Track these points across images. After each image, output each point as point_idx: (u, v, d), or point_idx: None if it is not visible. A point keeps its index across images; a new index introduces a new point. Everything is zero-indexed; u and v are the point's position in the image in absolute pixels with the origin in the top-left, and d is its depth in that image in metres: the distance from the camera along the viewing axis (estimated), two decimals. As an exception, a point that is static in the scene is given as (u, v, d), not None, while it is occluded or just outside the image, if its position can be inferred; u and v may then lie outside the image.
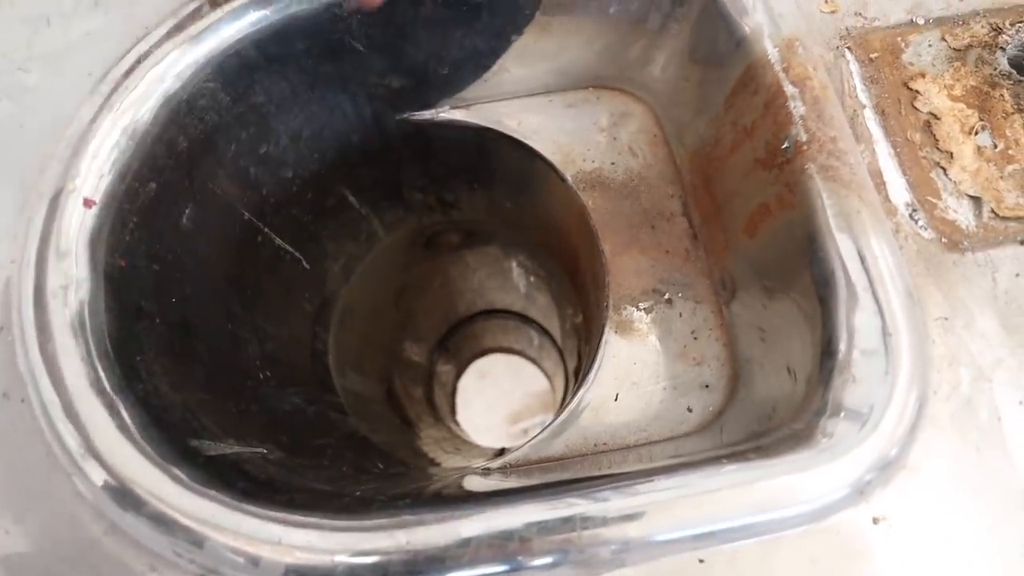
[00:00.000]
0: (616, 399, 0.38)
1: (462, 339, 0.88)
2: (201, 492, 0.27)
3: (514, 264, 0.70)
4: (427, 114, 0.45)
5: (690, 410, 0.38)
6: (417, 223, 0.59)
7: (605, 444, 0.38)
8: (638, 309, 0.40)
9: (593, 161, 0.44)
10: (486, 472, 0.36)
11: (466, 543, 0.26)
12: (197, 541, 0.26)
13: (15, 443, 0.28)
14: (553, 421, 0.38)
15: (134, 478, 0.27)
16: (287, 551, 0.26)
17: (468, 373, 1.11)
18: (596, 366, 0.39)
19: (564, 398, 0.78)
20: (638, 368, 0.39)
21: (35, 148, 0.32)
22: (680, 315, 0.40)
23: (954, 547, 0.27)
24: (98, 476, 0.27)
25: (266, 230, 0.44)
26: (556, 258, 0.57)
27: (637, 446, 0.37)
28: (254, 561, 0.25)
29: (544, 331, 0.87)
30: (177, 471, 0.27)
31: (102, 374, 0.29)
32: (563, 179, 0.43)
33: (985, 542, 0.27)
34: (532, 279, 0.71)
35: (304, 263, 0.50)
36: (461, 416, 1.06)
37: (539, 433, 0.38)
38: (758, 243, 0.36)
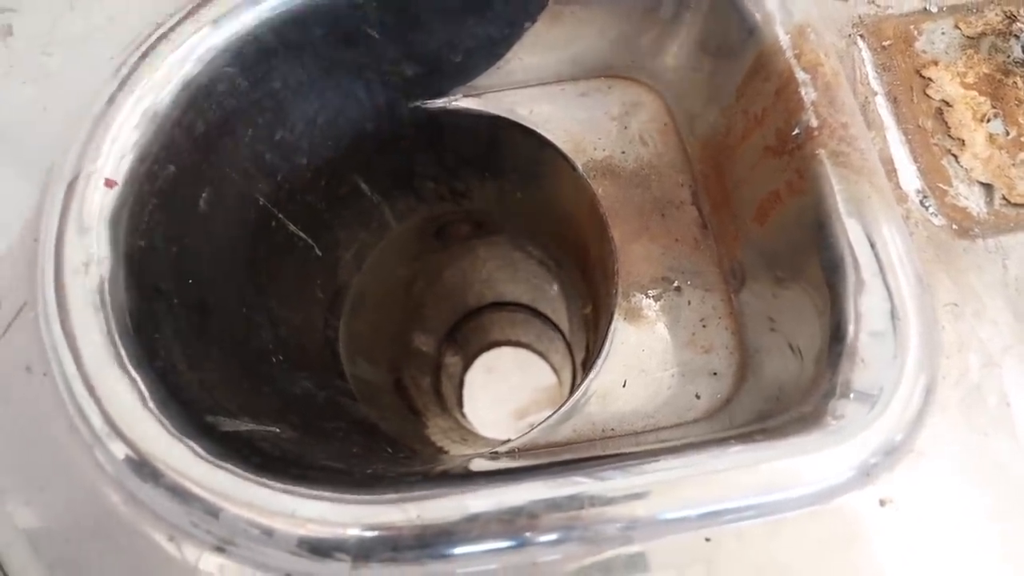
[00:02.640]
0: (624, 386, 0.39)
1: (470, 331, 0.89)
2: (217, 465, 0.27)
3: (524, 255, 0.70)
4: (440, 102, 0.45)
5: (698, 397, 0.38)
6: (428, 213, 0.59)
7: (613, 430, 0.38)
8: (647, 296, 0.40)
9: (604, 150, 0.44)
10: (494, 456, 0.37)
11: (475, 518, 0.26)
12: (213, 512, 0.26)
13: (38, 416, 0.29)
14: (561, 406, 0.38)
15: (152, 450, 0.27)
16: (300, 523, 0.26)
17: (475, 366, 1.11)
18: (605, 353, 0.39)
19: (571, 391, 0.78)
20: (646, 355, 0.39)
21: (58, 130, 0.33)
22: (689, 303, 0.40)
23: (960, 531, 0.27)
24: (117, 448, 0.28)
25: (280, 216, 0.45)
26: (566, 248, 0.58)
27: (645, 432, 0.38)
28: (268, 532, 0.26)
29: (553, 324, 0.87)
30: (194, 444, 0.28)
31: (122, 350, 0.29)
32: (574, 167, 0.43)
33: (992, 527, 0.27)
34: (542, 270, 0.72)
35: (316, 250, 0.50)
36: (468, 409, 1.06)
37: (547, 418, 0.38)
38: (768, 231, 0.37)
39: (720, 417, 0.38)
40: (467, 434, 0.82)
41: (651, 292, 0.41)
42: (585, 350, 0.71)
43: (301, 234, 0.48)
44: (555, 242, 0.61)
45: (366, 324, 0.61)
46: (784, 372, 0.34)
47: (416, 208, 0.58)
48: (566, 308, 0.76)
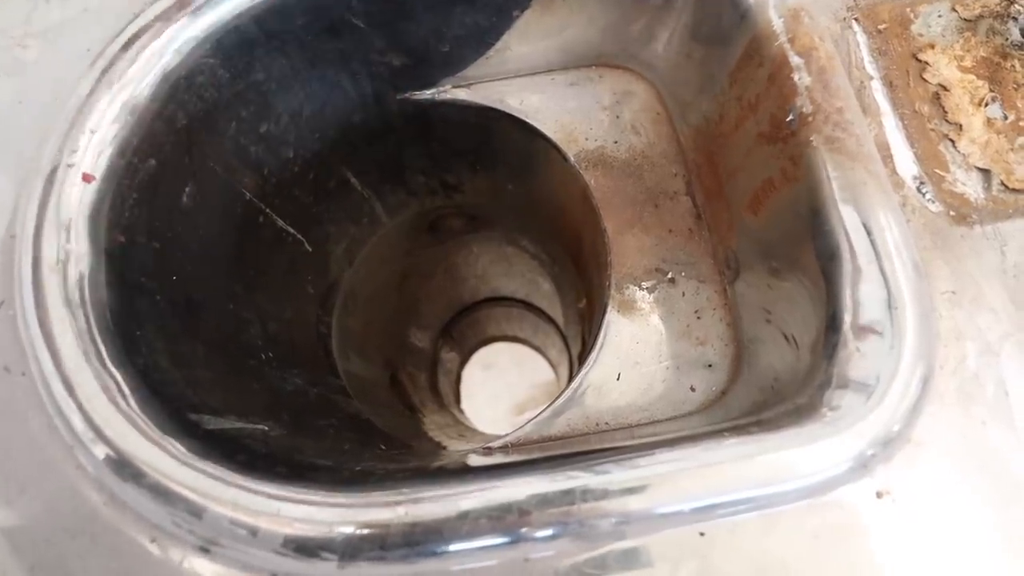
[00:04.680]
0: (618, 378, 0.38)
1: (466, 326, 0.88)
2: (200, 464, 0.27)
3: (517, 249, 0.70)
4: (428, 93, 0.44)
5: (693, 390, 0.38)
6: (420, 207, 0.59)
7: (607, 424, 0.37)
8: (641, 288, 0.40)
9: (596, 140, 0.43)
10: (488, 451, 0.36)
11: (464, 515, 0.26)
12: (196, 512, 0.26)
13: (16, 416, 0.28)
14: (555, 401, 0.38)
15: (133, 450, 0.27)
16: (286, 522, 0.26)
17: (472, 362, 1.11)
18: (598, 345, 0.39)
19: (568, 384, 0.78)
20: (640, 347, 0.39)
21: (34, 123, 0.32)
22: (683, 294, 0.40)
23: (959, 522, 0.26)
24: (98, 448, 0.27)
25: (267, 211, 0.44)
26: (559, 241, 0.57)
27: (640, 425, 0.37)
28: (252, 531, 0.25)
29: (548, 318, 0.87)
30: (177, 443, 0.27)
31: (102, 348, 0.29)
32: (565, 158, 0.43)
33: (989, 517, 0.26)
34: (535, 264, 0.71)
35: (306, 245, 0.50)
36: (466, 406, 1.06)
37: (540, 412, 0.37)
38: (762, 220, 0.36)
39: (716, 410, 0.37)
40: (464, 430, 0.82)
41: (645, 284, 0.40)
42: (581, 343, 0.71)
43: (290, 229, 0.47)
44: (548, 235, 0.60)
45: (359, 320, 0.61)
46: (780, 362, 0.34)
47: (407, 202, 0.58)
48: (561, 302, 0.75)
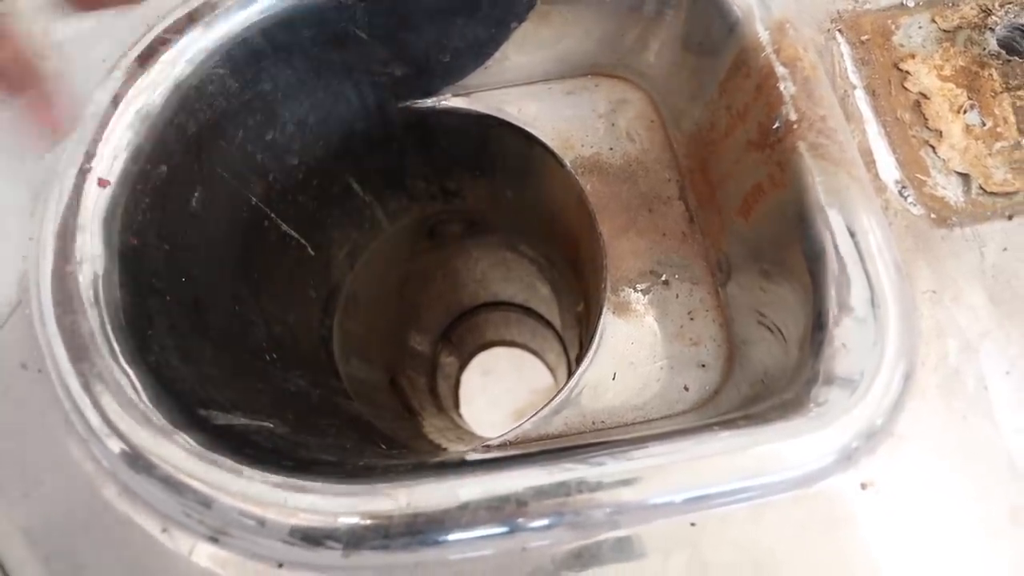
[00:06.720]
0: (614, 378, 0.39)
1: (465, 331, 0.89)
2: (210, 456, 0.28)
3: (516, 255, 0.71)
4: (429, 102, 0.46)
5: (687, 389, 0.39)
6: (420, 212, 0.60)
7: (603, 422, 0.38)
8: (635, 290, 0.41)
9: (592, 146, 0.44)
10: (487, 449, 0.37)
11: (464, 505, 0.27)
12: (206, 502, 0.27)
13: (33, 411, 0.29)
14: (553, 399, 0.39)
15: (146, 443, 0.28)
16: (292, 513, 0.26)
17: (471, 368, 1.11)
18: (595, 346, 0.40)
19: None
20: (635, 348, 0.40)
21: (52, 131, 0.33)
22: (677, 296, 0.41)
23: (941, 513, 0.27)
24: (112, 442, 0.28)
25: (272, 216, 0.45)
26: (557, 245, 0.58)
27: (635, 424, 0.38)
28: (260, 522, 0.26)
29: (547, 323, 0.88)
30: (187, 437, 0.28)
31: (116, 345, 0.30)
32: (562, 164, 0.44)
33: (971, 508, 0.27)
34: (534, 269, 0.72)
35: (309, 249, 0.51)
36: (465, 411, 1.06)
37: (538, 411, 0.38)
38: (753, 224, 0.37)
39: (709, 408, 0.38)
40: (464, 433, 0.82)
41: (639, 286, 0.41)
42: (579, 346, 0.72)
43: (293, 233, 0.48)
44: (546, 240, 0.61)
45: (360, 323, 0.62)
46: (769, 359, 0.35)
47: (408, 208, 0.59)
48: (559, 307, 0.76)
